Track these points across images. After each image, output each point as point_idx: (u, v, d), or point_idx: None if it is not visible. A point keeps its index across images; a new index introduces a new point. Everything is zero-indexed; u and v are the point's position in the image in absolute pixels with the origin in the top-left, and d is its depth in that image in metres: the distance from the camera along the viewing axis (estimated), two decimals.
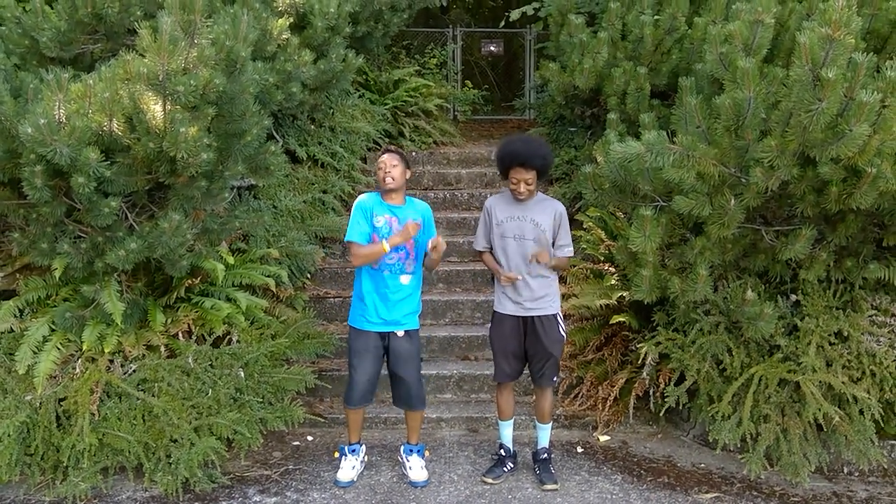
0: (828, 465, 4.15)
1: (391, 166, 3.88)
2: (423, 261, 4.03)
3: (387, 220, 3.89)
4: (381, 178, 3.90)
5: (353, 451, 4.09)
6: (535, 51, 9.95)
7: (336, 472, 4.08)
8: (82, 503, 3.81)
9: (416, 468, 4.05)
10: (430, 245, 3.82)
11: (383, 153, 3.97)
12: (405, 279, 3.95)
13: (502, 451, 4.16)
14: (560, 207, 3.96)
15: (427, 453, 4.21)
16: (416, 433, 4.13)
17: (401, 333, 3.95)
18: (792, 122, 3.37)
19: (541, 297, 3.91)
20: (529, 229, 3.86)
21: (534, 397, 4.27)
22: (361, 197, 3.98)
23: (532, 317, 3.92)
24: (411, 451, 4.11)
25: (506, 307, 3.95)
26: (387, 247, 3.78)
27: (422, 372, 4.16)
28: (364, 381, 3.95)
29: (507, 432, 4.16)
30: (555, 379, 4.02)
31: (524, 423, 4.63)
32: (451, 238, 6.52)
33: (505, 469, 4.11)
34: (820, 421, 4.00)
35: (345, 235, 3.98)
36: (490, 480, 4.03)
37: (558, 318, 3.98)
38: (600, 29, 6.05)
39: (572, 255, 4.01)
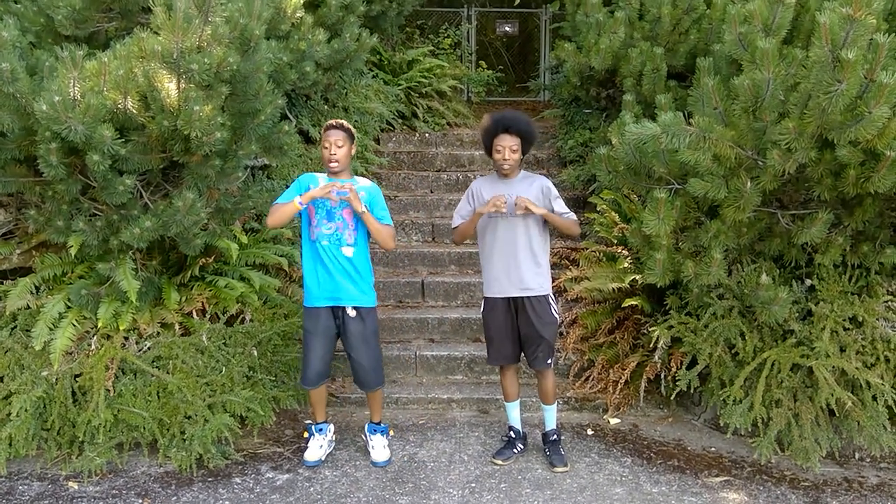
0: (839, 451, 4.14)
1: (336, 147, 3.76)
2: (363, 237, 3.90)
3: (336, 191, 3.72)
4: (326, 158, 3.78)
5: (320, 430, 4.10)
6: (550, 31, 9.87)
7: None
8: (97, 478, 3.87)
9: (378, 448, 4.07)
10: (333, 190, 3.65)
11: (328, 128, 3.79)
12: (347, 251, 3.83)
13: (512, 433, 4.18)
14: (545, 181, 3.95)
15: (391, 432, 4.23)
16: (378, 412, 4.12)
17: (352, 313, 3.87)
18: (810, 104, 3.33)
19: (531, 277, 3.87)
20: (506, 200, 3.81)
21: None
22: (303, 175, 3.92)
23: (523, 297, 3.89)
24: (374, 430, 4.11)
25: (495, 290, 3.92)
26: (298, 202, 3.66)
27: (383, 351, 4.12)
28: (316, 361, 3.90)
29: (514, 414, 4.17)
30: (549, 361, 3.97)
31: (534, 404, 4.64)
32: None
33: (514, 451, 4.12)
34: (832, 406, 3.98)
35: None
36: (499, 462, 4.05)
37: (550, 299, 3.95)
38: (617, 9, 5.98)
39: (575, 218, 3.94)
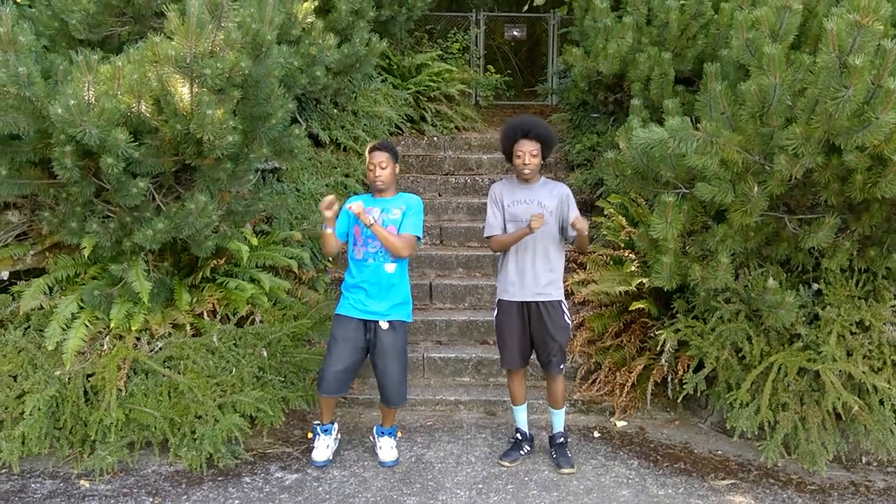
0: (846, 455, 4.15)
1: (381, 168, 3.89)
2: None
3: (368, 211, 3.86)
4: (371, 179, 3.93)
5: (326, 430, 4.11)
6: (558, 35, 9.88)
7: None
8: (109, 476, 3.91)
9: (386, 448, 4.11)
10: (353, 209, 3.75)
11: (372, 149, 3.94)
12: (390, 267, 3.91)
13: (518, 435, 4.20)
14: (565, 189, 3.99)
15: (399, 434, 4.26)
16: (390, 421, 4.15)
17: (385, 325, 3.91)
18: (818, 110, 3.34)
19: (545, 283, 3.91)
20: (538, 212, 3.84)
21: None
22: (352, 197, 4.07)
23: (536, 302, 3.92)
24: (382, 432, 4.14)
25: (510, 294, 3.95)
26: (327, 230, 3.83)
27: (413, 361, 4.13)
28: (337, 371, 3.89)
29: (521, 417, 4.20)
30: (562, 367, 4.00)
31: (541, 406, 4.67)
32: (472, 223, 6.55)
33: (521, 452, 4.15)
34: (839, 410, 3.99)
35: None
36: (506, 463, 4.07)
37: (563, 305, 3.98)
38: (625, 13, 6.00)
39: (588, 228, 3.95)
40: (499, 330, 4.06)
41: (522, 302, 3.94)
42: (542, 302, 3.91)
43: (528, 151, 3.85)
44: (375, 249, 3.90)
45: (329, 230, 3.87)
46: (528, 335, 3.99)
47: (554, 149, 4.17)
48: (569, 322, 4.01)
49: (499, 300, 4.04)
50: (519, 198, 3.93)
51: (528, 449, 4.19)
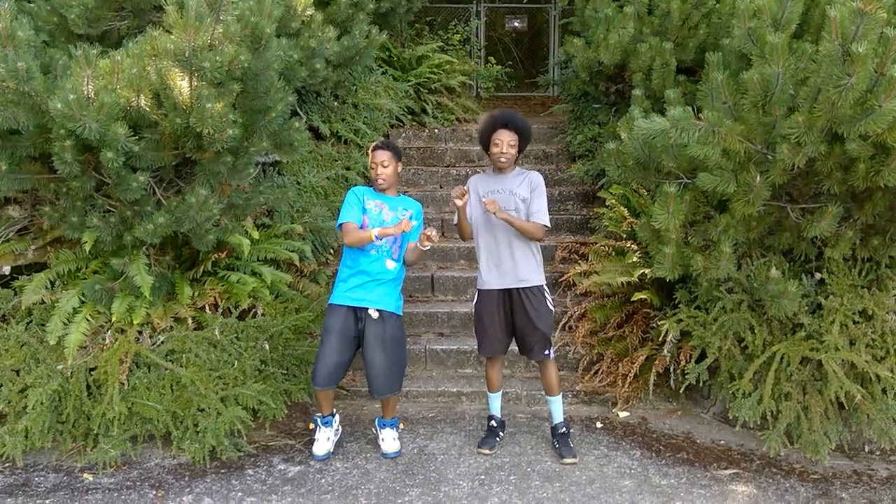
0: (848, 444, 4.15)
1: (382, 167, 3.96)
2: (404, 253, 4.05)
3: (377, 205, 3.98)
4: (373, 176, 4.00)
5: (327, 422, 4.12)
6: (559, 26, 9.86)
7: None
8: (112, 469, 3.92)
9: (388, 440, 4.12)
10: (422, 237, 3.82)
11: (375, 148, 4.01)
12: (390, 264, 3.98)
13: (493, 422, 4.24)
14: (536, 177, 4.01)
15: (401, 425, 4.27)
16: (390, 413, 4.16)
17: (374, 314, 3.93)
18: (820, 98, 3.32)
19: (524, 269, 3.94)
20: (511, 201, 3.92)
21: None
22: (354, 187, 4.11)
23: (517, 289, 3.95)
24: (384, 424, 4.15)
25: (490, 283, 3.99)
26: (374, 236, 3.82)
27: (406, 358, 4.17)
28: (329, 360, 3.91)
29: (496, 404, 4.24)
30: (546, 352, 4.00)
31: (542, 398, 4.66)
32: None
33: (497, 439, 4.20)
34: (842, 399, 3.99)
35: (337, 220, 4.04)
36: (486, 451, 4.10)
37: (544, 290, 4.01)
38: (626, 3, 5.97)
39: (546, 223, 3.95)
40: (478, 317, 4.09)
41: (503, 290, 3.96)
42: (523, 288, 3.94)
43: (506, 141, 3.90)
44: (380, 243, 3.94)
45: (379, 240, 3.89)
46: (508, 323, 4.02)
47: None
48: (552, 307, 4.03)
49: (478, 290, 4.07)
50: (493, 188, 3.98)
51: (502, 434, 4.25)
